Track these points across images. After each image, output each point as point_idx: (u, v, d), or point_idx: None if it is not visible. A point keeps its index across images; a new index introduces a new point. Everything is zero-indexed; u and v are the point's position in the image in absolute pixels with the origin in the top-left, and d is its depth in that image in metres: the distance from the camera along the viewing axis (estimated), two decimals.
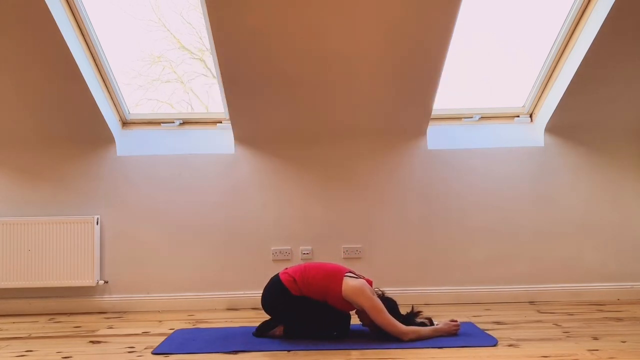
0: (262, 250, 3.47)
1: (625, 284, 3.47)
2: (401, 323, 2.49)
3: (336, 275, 2.54)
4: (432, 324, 2.58)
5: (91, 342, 2.64)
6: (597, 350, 2.26)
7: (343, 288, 2.49)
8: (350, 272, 2.59)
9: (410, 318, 2.57)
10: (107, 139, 3.49)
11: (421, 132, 3.55)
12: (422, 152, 3.55)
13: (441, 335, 2.52)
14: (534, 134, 3.63)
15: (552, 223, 3.50)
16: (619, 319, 2.86)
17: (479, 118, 3.67)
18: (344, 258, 3.47)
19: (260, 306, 2.66)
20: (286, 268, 2.66)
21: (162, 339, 2.64)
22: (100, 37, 3.21)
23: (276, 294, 2.57)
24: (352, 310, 2.59)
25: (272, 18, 2.79)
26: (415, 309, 2.62)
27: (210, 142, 3.61)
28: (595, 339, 2.45)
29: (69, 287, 3.39)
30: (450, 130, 3.66)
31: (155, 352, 2.39)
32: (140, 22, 3.71)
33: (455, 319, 2.63)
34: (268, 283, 2.64)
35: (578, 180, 3.54)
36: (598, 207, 3.52)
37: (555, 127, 3.54)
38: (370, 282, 2.58)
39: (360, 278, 2.58)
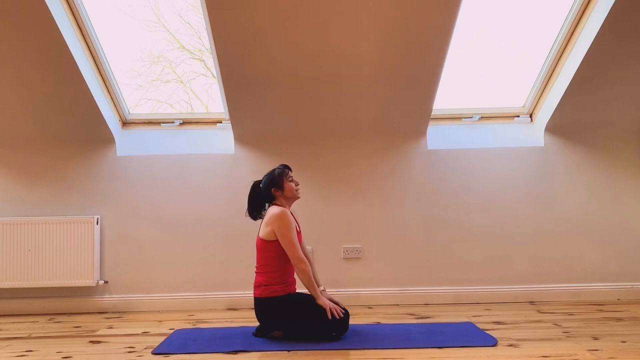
0: None
1: (625, 284, 3.47)
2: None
3: (266, 220, 2.63)
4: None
5: (91, 342, 2.64)
6: (597, 350, 2.26)
7: (270, 221, 2.58)
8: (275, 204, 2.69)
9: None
10: (107, 139, 3.49)
11: (421, 132, 3.55)
12: (422, 152, 3.55)
13: (322, 304, 2.52)
14: (534, 134, 3.63)
15: (552, 223, 3.51)
16: (619, 319, 2.86)
17: (479, 118, 3.67)
18: (344, 258, 3.47)
19: None
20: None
21: (162, 339, 2.64)
22: (100, 37, 3.21)
23: (266, 314, 2.58)
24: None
25: (272, 18, 2.79)
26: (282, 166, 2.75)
27: (210, 142, 3.61)
28: (595, 339, 2.45)
29: (69, 287, 3.39)
30: (450, 130, 3.66)
31: (155, 352, 2.39)
32: (140, 22, 3.71)
33: (342, 309, 2.58)
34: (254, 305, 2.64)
35: (578, 180, 3.54)
36: (598, 207, 3.52)
37: (555, 127, 3.54)
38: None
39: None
